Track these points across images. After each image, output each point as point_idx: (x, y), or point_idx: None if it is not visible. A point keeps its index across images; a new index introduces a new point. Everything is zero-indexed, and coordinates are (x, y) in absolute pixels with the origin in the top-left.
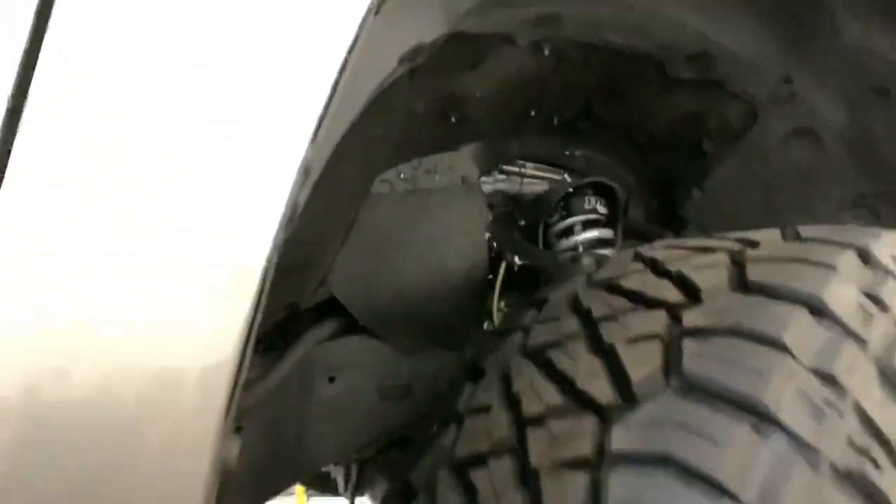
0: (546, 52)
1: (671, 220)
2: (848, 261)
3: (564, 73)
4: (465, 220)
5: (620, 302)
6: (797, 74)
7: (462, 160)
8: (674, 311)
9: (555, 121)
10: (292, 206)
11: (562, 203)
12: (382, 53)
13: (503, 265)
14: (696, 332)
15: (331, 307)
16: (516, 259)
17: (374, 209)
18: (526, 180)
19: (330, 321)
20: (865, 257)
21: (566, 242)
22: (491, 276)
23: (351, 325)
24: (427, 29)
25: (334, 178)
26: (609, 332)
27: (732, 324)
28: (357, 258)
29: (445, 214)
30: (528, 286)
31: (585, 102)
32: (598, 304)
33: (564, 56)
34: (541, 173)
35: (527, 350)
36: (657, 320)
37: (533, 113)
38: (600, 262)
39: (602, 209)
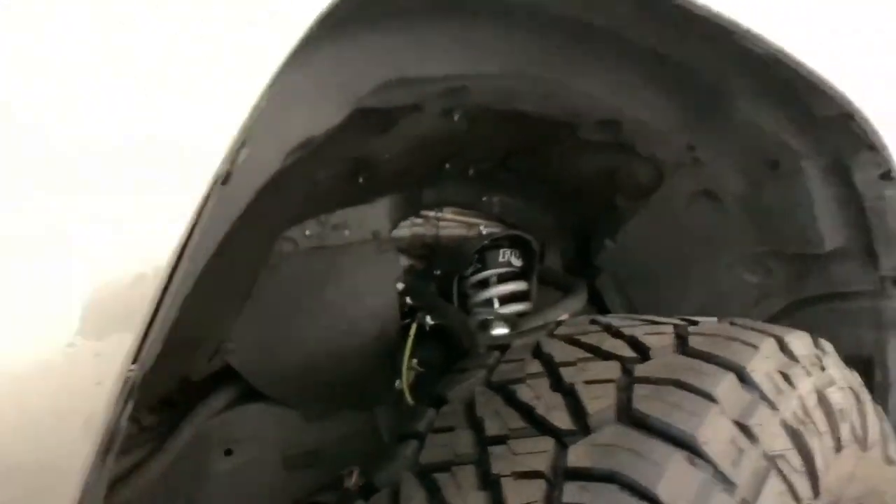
0: (456, 117)
1: (586, 268)
2: (769, 345)
3: (477, 133)
4: (376, 279)
5: (579, 353)
6: (699, 143)
7: (374, 214)
8: (626, 364)
9: (470, 171)
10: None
11: (476, 256)
12: (266, 153)
13: (414, 325)
14: (645, 381)
15: (228, 375)
16: (427, 319)
17: (277, 270)
18: (443, 224)
19: (226, 390)
20: (782, 345)
21: (482, 295)
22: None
23: (251, 393)
24: (317, 122)
25: (224, 257)
26: (568, 375)
27: (675, 377)
28: (257, 324)
29: (355, 273)
30: (441, 342)
31: (502, 156)
32: (560, 352)
33: (476, 119)
34: (459, 218)
35: (491, 384)
36: (612, 369)
37: (448, 166)
38: (513, 325)
39: (517, 262)
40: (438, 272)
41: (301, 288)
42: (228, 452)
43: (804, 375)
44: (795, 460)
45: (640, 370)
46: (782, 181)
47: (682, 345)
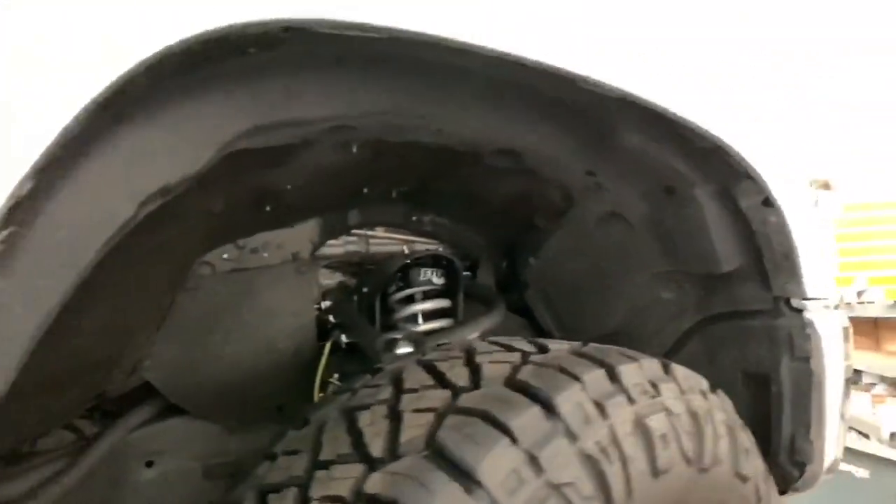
0: (354, 149)
1: (517, 284)
2: (594, 375)
3: (385, 161)
4: (293, 299)
5: (427, 379)
6: (598, 170)
7: (294, 236)
8: (456, 393)
9: (393, 194)
10: None
11: (399, 274)
12: (114, 203)
13: (328, 343)
14: (460, 411)
15: (150, 391)
16: (343, 337)
17: (195, 292)
18: (376, 242)
19: (148, 406)
20: (611, 374)
21: (405, 311)
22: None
23: (174, 407)
24: (172, 172)
25: (120, 287)
26: (405, 403)
27: (484, 409)
28: (174, 343)
29: (273, 294)
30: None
31: (419, 180)
32: (411, 378)
33: (378, 150)
34: (393, 236)
35: (344, 408)
36: (442, 398)
37: (366, 190)
38: (419, 345)
39: (438, 280)
40: (365, 290)
41: (219, 309)
42: (149, 464)
43: (624, 404)
44: (587, 488)
45: (463, 400)
46: (679, 206)
47: (512, 375)
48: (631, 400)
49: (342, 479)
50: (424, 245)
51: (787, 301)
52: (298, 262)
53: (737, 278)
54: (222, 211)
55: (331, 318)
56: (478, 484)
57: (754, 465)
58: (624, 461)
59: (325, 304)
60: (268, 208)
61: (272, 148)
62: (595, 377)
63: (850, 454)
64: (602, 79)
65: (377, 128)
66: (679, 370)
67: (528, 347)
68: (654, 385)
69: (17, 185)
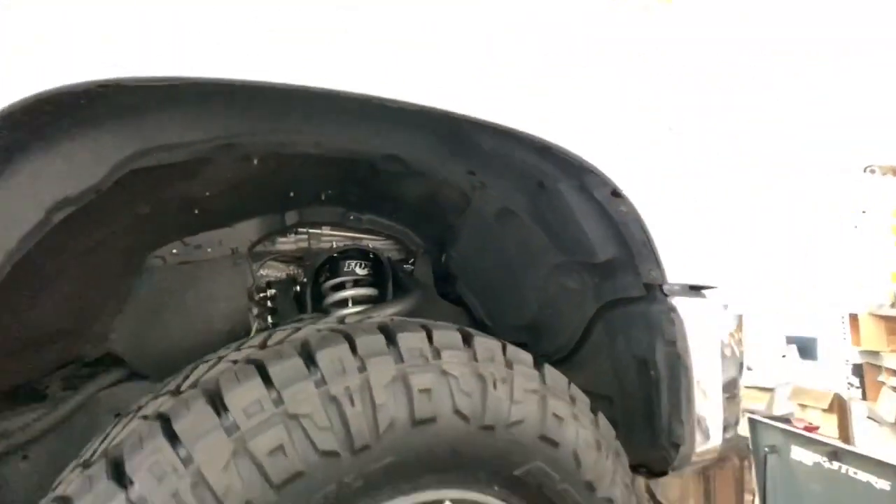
0: (255, 161)
1: (448, 276)
2: (371, 339)
3: (291, 170)
4: (228, 287)
5: (255, 342)
6: (477, 169)
7: (233, 235)
8: (254, 349)
9: (323, 196)
10: None
11: (327, 266)
12: (24, 209)
13: (255, 323)
14: (248, 361)
15: (117, 359)
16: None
17: (149, 280)
18: (325, 239)
19: (116, 371)
20: (391, 340)
21: (335, 297)
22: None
23: (136, 373)
24: (73, 185)
25: (74, 273)
26: (230, 355)
27: (257, 358)
28: (133, 320)
29: (211, 283)
30: None
31: (335, 184)
32: (250, 341)
33: (278, 161)
34: (338, 233)
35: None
36: (247, 353)
37: (292, 194)
38: None
39: (361, 271)
40: (304, 279)
41: (169, 294)
42: (117, 415)
43: (389, 362)
44: (322, 420)
45: (253, 354)
46: (551, 199)
47: (305, 339)
48: (400, 359)
49: (159, 400)
50: (372, 241)
51: (661, 287)
52: (235, 255)
53: (618, 267)
54: (152, 214)
55: (269, 304)
56: (224, 408)
57: (572, 432)
58: (374, 406)
59: (271, 292)
60: (196, 211)
61: (172, 165)
62: (370, 340)
63: (875, 465)
64: (431, 103)
65: (260, 144)
66: (481, 342)
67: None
68: (437, 351)
69: None
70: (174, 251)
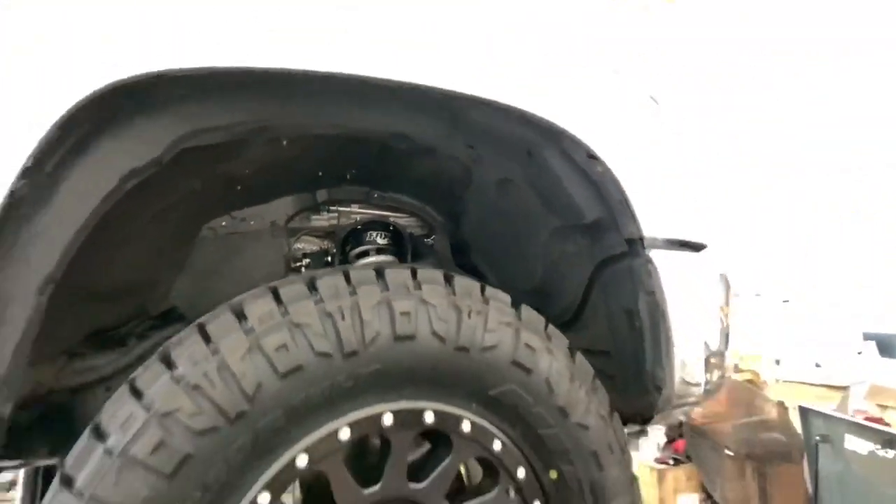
0: (285, 143)
1: (465, 247)
2: (365, 274)
3: (317, 151)
4: (268, 255)
5: None
6: (474, 143)
7: (271, 210)
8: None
9: (347, 176)
10: None
11: (352, 237)
12: (100, 178)
13: None
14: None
15: (179, 314)
16: None
17: (203, 248)
18: (351, 216)
19: (177, 324)
20: (380, 276)
21: (360, 263)
22: None
23: None
24: (138, 159)
25: (142, 237)
26: None
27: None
28: (190, 281)
29: (254, 251)
30: None
31: (357, 164)
32: None
33: (305, 143)
34: (363, 210)
35: None
36: None
37: (321, 174)
38: None
39: (382, 240)
40: (334, 251)
41: (219, 259)
42: None
43: (376, 291)
44: (318, 328)
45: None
46: (539, 166)
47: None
48: (386, 289)
49: None
50: (395, 217)
51: (641, 241)
52: (274, 228)
53: (604, 227)
54: (203, 190)
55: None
56: (244, 317)
57: (545, 362)
58: (361, 321)
59: (306, 261)
60: (239, 188)
61: (218, 144)
62: (362, 273)
63: None
64: (412, 79)
65: (288, 127)
66: (460, 280)
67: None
68: (419, 284)
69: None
70: (223, 223)
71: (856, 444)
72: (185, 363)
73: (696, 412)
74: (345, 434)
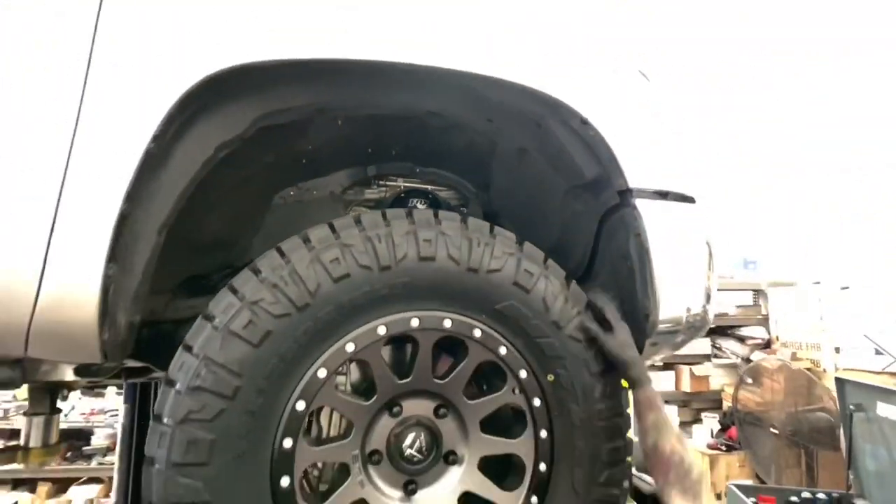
0: (340, 122)
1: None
2: (398, 212)
3: (366, 129)
4: (327, 220)
5: None
6: (493, 117)
7: (330, 181)
8: None
9: (393, 152)
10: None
11: (395, 203)
12: (199, 147)
13: None
14: None
15: None
16: None
17: (274, 213)
18: (397, 188)
19: None
20: (409, 216)
21: None
22: None
23: None
24: (225, 134)
25: (229, 201)
26: None
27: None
28: (265, 239)
29: (316, 217)
30: None
31: (402, 142)
32: None
33: (357, 122)
34: (408, 184)
35: None
36: None
37: (370, 150)
38: None
39: (421, 206)
40: None
41: (288, 222)
42: None
43: (405, 225)
44: (362, 251)
45: None
46: (547, 135)
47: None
48: (413, 223)
49: None
50: (435, 190)
51: (630, 192)
52: (332, 197)
53: (602, 183)
54: (276, 163)
55: None
56: (309, 240)
57: (541, 285)
58: (394, 244)
59: None
60: (304, 161)
61: (287, 124)
62: (396, 212)
63: None
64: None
65: (342, 107)
66: (473, 221)
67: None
68: (440, 221)
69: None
70: (291, 192)
71: (888, 411)
72: (266, 269)
73: (752, 399)
74: (381, 330)
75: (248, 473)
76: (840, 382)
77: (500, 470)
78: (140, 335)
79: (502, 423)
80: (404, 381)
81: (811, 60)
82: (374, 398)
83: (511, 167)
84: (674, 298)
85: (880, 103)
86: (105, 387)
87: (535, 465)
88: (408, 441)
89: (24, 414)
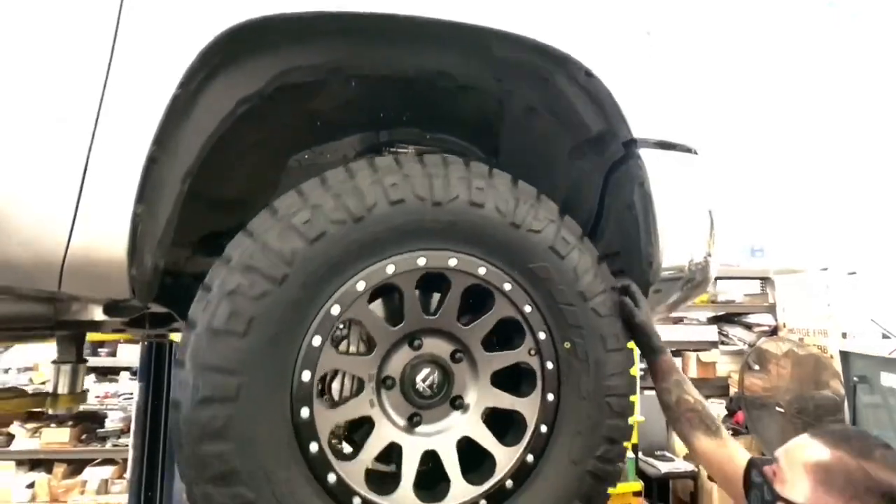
0: (353, 84)
1: None
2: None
3: (377, 91)
4: None
5: None
6: (501, 76)
7: (343, 146)
8: None
9: (404, 118)
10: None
11: None
12: (221, 102)
13: None
14: None
15: None
16: None
17: (289, 175)
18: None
19: None
20: (397, 161)
21: None
22: None
23: None
24: (246, 90)
25: (246, 160)
26: None
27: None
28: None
29: None
30: None
31: (411, 107)
32: None
33: (368, 84)
34: (419, 151)
35: None
36: None
37: (382, 115)
38: None
39: None
40: None
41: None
42: None
43: (395, 168)
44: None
45: None
46: (553, 91)
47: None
48: (469, 171)
49: None
50: None
51: (634, 143)
52: (345, 161)
53: (607, 137)
54: (292, 124)
55: None
56: (353, 173)
57: (575, 255)
58: (449, 185)
59: None
60: (318, 124)
61: (303, 84)
62: (454, 158)
63: None
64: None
65: (356, 66)
66: (523, 185)
67: None
68: (492, 175)
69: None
70: (305, 156)
71: (891, 381)
72: (333, 181)
73: (758, 384)
74: (422, 261)
75: (276, 362)
76: (844, 355)
77: (501, 426)
78: (164, 283)
79: (511, 380)
80: (430, 317)
81: (816, 41)
82: (401, 326)
83: (519, 129)
84: (677, 245)
85: (891, 86)
86: (118, 372)
87: (537, 426)
88: (421, 375)
89: (53, 362)
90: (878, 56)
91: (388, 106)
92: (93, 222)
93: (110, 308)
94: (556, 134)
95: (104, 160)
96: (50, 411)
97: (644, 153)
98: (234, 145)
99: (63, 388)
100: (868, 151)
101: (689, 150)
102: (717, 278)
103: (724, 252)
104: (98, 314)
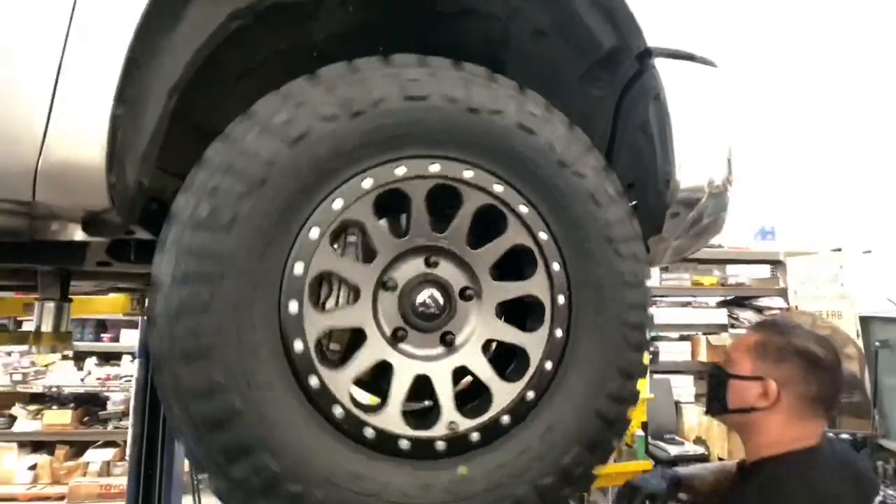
0: (351, 7)
1: None
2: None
3: (373, 18)
4: None
5: None
6: None
7: None
8: None
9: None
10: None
11: None
12: (212, 16)
13: None
14: None
15: None
16: None
17: None
18: None
19: None
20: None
21: None
22: None
23: None
24: (237, 4)
25: (238, 89)
26: None
27: None
28: None
29: None
30: None
31: (416, 32)
32: None
33: (366, 7)
34: None
35: None
36: None
37: (381, 47)
38: None
39: None
40: None
41: None
42: None
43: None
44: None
45: None
46: (563, 8)
47: None
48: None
49: None
50: None
51: (648, 52)
52: None
53: (619, 53)
54: (288, 51)
55: None
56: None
57: (573, 149)
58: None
59: None
60: (315, 54)
61: (298, 3)
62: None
63: None
64: None
65: None
66: (531, 93)
67: None
68: (495, 80)
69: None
70: None
71: None
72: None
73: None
74: (435, 168)
75: (272, 254)
76: (864, 320)
77: (504, 361)
78: (151, 209)
79: (517, 309)
80: (441, 235)
81: (827, 19)
82: (405, 238)
83: (526, 55)
84: (695, 163)
85: None
86: (120, 356)
87: (542, 362)
88: (420, 299)
89: (36, 299)
90: (891, 34)
91: (387, 34)
92: (69, 121)
93: (90, 224)
94: (566, 59)
95: (81, 55)
96: (33, 350)
97: (659, 63)
98: (228, 70)
99: (47, 327)
100: (879, 127)
101: (707, 63)
102: (727, 261)
103: (733, 234)
104: (78, 234)
